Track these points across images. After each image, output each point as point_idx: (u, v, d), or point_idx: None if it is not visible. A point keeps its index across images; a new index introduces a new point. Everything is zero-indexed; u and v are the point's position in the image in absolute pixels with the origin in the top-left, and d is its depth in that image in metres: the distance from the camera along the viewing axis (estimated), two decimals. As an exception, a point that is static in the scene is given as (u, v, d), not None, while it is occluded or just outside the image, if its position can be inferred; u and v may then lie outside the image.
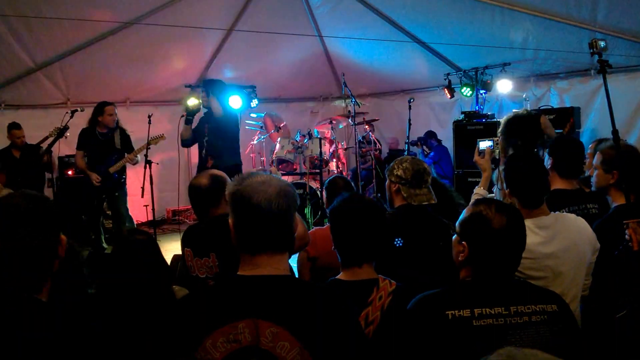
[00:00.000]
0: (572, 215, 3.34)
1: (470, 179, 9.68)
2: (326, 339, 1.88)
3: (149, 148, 7.78)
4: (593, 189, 3.87)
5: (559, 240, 3.10)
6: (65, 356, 1.81)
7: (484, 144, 4.49)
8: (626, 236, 3.14)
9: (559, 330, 2.23)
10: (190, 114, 6.97)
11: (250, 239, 2.03)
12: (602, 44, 3.63)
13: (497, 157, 4.66)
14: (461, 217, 2.47)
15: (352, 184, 4.76)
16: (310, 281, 3.73)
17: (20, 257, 1.89)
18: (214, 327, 1.88)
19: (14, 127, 8.82)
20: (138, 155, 7.95)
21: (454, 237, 2.51)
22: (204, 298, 2.11)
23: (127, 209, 8.21)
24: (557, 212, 3.33)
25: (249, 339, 1.86)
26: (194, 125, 7.38)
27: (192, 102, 7.01)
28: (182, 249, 3.73)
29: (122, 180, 8.08)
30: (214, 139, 7.03)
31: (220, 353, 1.86)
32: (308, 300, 1.98)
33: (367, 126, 11.25)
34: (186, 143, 7.37)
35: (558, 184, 3.94)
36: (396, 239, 3.41)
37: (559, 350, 2.15)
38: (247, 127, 11.15)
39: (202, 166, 7.21)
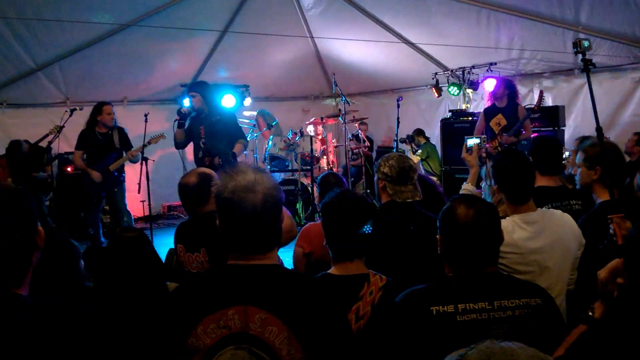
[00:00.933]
0: (559, 212, 3.37)
1: (457, 176, 9.76)
2: (312, 325, 1.90)
3: (146, 145, 7.89)
4: (578, 186, 3.88)
5: (546, 236, 3.11)
6: (37, 354, 1.79)
7: (472, 141, 4.49)
8: (610, 230, 3.10)
9: (543, 324, 2.24)
10: (182, 117, 6.98)
11: (238, 243, 2.04)
12: (585, 43, 3.60)
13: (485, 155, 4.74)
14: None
15: (344, 180, 4.80)
16: (298, 271, 3.73)
17: None
18: (204, 314, 1.90)
19: (15, 148, 8.95)
20: (139, 153, 7.98)
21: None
22: (195, 287, 2.15)
23: (125, 205, 8.23)
24: (543, 208, 3.38)
25: (238, 325, 1.88)
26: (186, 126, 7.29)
27: (185, 108, 7.11)
28: (175, 245, 3.79)
29: (122, 178, 8.14)
30: (210, 140, 6.98)
31: (211, 339, 1.88)
32: (295, 287, 2.01)
33: (357, 124, 11.30)
34: (179, 145, 7.33)
35: (540, 181, 3.93)
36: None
37: (542, 343, 2.07)
38: (240, 125, 11.27)
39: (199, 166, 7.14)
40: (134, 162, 8.17)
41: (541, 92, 8.14)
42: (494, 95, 8.09)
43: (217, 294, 1.96)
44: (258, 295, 1.92)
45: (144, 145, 7.92)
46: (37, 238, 1.91)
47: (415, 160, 7.78)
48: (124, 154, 8.08)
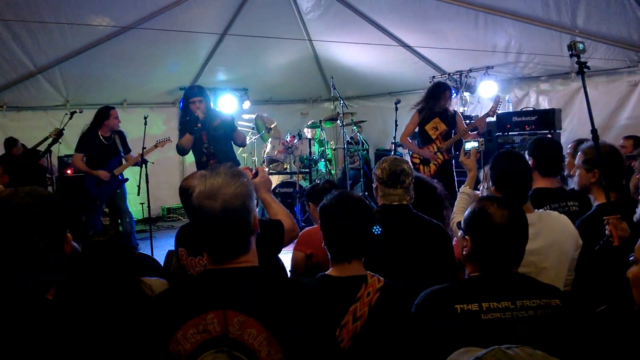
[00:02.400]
0: (555, 213, 3.40)
1: (456, 179, 9.76)
2: (290, 324, 1.90)
3: (145, 148, 7.86)
4: (576, 188, 3.91)
5: (543, 237, 3.13)
6: (81, 355, 1.81)
7: (470, 145, 4.49)
8: (606, 232, 3.17)
9: (562, 324, 2.27)
10: (201, 123, 6.79)
11: (208, 248, 2.07)
12: (580, 46, 3.64)
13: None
14: (466, 213, 2.52)
15: (337, 185, 4.76)
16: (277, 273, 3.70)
17: (29, 258, 1.84)
18: (184, 320, 1.90)
19: (10, 145, 9.13)
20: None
21: (459, 233, 2.55)
22: (175, 293, 2.16)
23: (127, 206, 8.27)
24: (540, 210, 3.40)
25: (218, 329, 1.89)
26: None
27: (200, 113, 7.00)
28: (176, 249, 3.74)
29: (125, 179, 8.21)
30: (214, 144, 6.92)
31: (191, 344, 1.88)
32: (272, 289, 2.02)
33: (359, 128, 11.27)
34: (184, 152, 7.19)
35: (539, 182, 3.97)
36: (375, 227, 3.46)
37: (560, 344, 2.18)
38: (239, 128, 11.28)
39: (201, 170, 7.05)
40: (138, 164, 8.13)
41: (498, 98, 8.01)
42: (431, 98, 7.67)
43: (196, 299, 1.96)
44: (235, 298, 1.93)
45: (155, 146, 8.03)
46: (65, 244, 1.94)
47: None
48: (123, 157, 8.12)
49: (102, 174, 7.86)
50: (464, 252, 2.48)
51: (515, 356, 1.30)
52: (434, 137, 7.64)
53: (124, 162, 8.17)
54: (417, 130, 7.87)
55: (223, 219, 1.98)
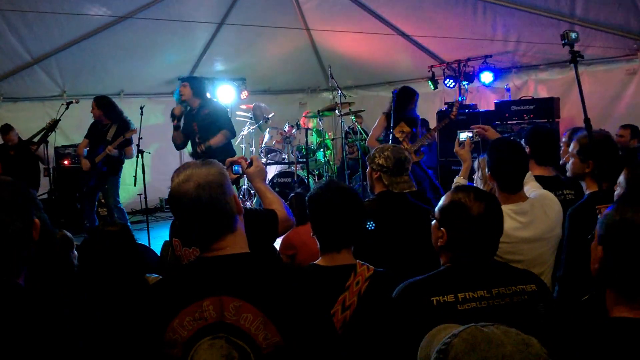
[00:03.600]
0: (544, 195, 3.43)
1: (454, 167, 9.81)
2: (286, 306, 1.92)
3: (141, 138, 7.84)
4: (568, 174, 3.89)
5: (536, 226, 3.16)
6: (41, 342, 1.79)
7: (464, 135, 4.49)
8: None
9: (539, 309, 2.29)
10: (178, 119, 6.97)
11: (193, 234, 2.10)
12: (573, 35, 3.68)
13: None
14: (440, 203, 2.50)
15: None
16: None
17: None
18: (179, 308, 1.92)
19: (3, 132, 9.12)
20: (116, 150, 7.90)
21: (432, 223, 2.52)
22: (170, 282, 2.16)
23: (116, 201, 8.20)
24: (533, 197, 3.38)
25: (214, 315, 1.90)
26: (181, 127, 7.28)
27: (177, 108, 7.06)
28: (171, 240, 3.75)
29: (104, 171, 8.03)
30: (204, 133, 6.96)
31: (188, 331, 1.90)
32: (265, 272, 2.05)
33: (357, 119, 11.24)
34: (180, 146, 7.33)
35: (536, 171, 3.95)
36: (368, 223, 3.45)
37: (538, 328, 2.16)
38: (237, 119, 11.31)
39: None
40: (126, 157, 8.15)
41: (457, 103, 8.31)
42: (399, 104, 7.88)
43: (191, 287, 1.98)
44: (230, 284, 1.94)
45: (119, 141, 7.86)
46: (32, 229, 1.93)
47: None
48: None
49: (83, 163, 7.97)
50: (438, 244, 2.46)
51: (490, 333, 1.34)
52: (401, 139, 7.78)
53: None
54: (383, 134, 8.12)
55: (198, 196, 2.02)
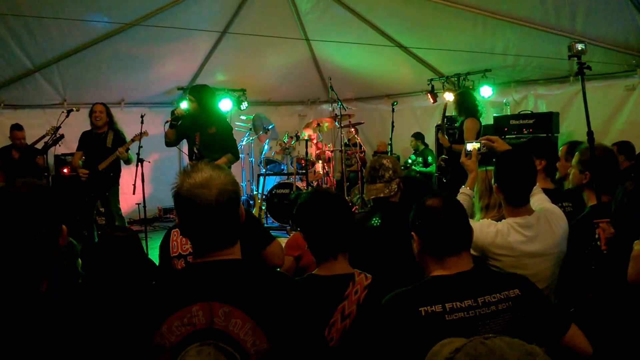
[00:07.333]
0: (552, 209, 3.40)
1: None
2: (274, 313, 1.92)
3: (141, 147, 7.81)
4: (570, 185, 3.95)
5: (541, 240, 3.15)
6: (65, 349, 1.80)
7: (471, 145, 4.40)
8: (596, 235, 3.22)
9: (525, 313, 2.28)
10: (175, 119, 6.83)
11: (198, 240, 2.07)
12: (579, 47, 3.65)
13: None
14: (412, 213, 2.54)
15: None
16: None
17: (24, 249, 1.83)
18: (168, 313, 1.91)
19: (15, 128, 9.01)
20: (129, 153, 7.97)
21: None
22: (160, 287, 2.15)
23: (118, 208, 8.21)
24: (539, 211, 3.33)
25: (203, 321, 1.89)
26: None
27: (179, 109, 6.91)
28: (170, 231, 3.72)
29: (111, 176, 8.07)
30: (205, 150, 6.72)
31: (176, 337, 1.89)
32: (255, 279, 2.04)
33: (352, 129, 11.27)
34: (170, 144, 7.13)
35: (540, 183, 3.90)
36: (374, 219, 3.55)
37: (527, 332, 2.20)
38: (236, 129, 11.27)
39: None
40: (127, 163, 8.14)
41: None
42: None
43: (181, 292, 1.97)
44: (221, 290, 1.94)
45: (129, 144, 7.93)
46: (59, 235, 1.94)
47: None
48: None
49: (81, 172, 7.93)
50: (416, 252, 2.51)
51: (494, 345, 1.33)
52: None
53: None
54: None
55: (219, 205, 2.00)
